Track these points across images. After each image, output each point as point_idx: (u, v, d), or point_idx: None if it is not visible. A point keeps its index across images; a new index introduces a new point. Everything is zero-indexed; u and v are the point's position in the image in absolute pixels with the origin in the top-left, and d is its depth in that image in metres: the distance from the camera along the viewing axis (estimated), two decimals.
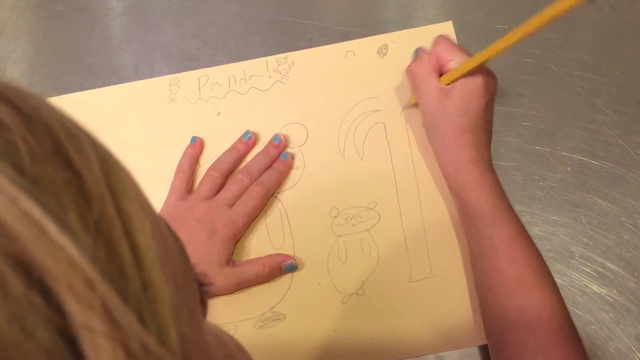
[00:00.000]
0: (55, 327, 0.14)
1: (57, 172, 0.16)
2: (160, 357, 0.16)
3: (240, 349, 0.30)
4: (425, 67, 0.54)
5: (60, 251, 0.15)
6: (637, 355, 0.51)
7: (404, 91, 0.60)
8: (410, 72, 0.55)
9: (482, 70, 0.52)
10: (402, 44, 0.62)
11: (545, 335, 0.45)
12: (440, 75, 0.54)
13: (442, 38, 0.54)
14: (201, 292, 0.24)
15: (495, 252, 0.48)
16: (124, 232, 0.17)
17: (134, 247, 0.17)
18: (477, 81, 0.51)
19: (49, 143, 0.17)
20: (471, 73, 0.51)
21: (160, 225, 0.21)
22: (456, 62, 0.52)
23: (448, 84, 0.52)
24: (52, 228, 0.15)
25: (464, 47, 0.54)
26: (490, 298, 0.49)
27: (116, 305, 0.15)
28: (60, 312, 0.14)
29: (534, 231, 0.55)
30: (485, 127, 0.52)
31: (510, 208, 0.50)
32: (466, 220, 0.52)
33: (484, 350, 0.51)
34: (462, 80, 0.52)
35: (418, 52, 0.56)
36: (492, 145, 0.58)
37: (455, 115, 0.51)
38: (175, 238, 0.23)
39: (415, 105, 0.58)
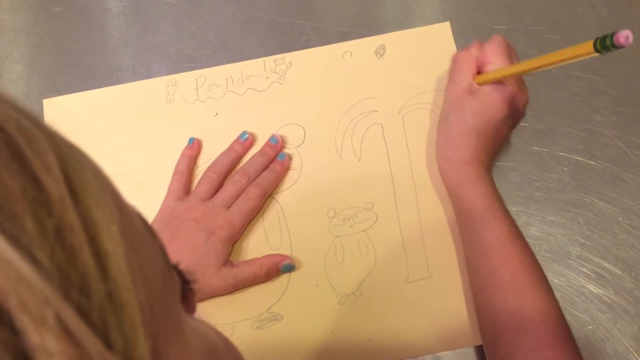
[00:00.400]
0: (10, 349, 0.13)
1: (11, 178, 0.15)
2: None
3: (227, 345, 0.30)
4: (469, 59, 0.54)
5: (8, 266, 0.13)
6: (634, 355, 0.51)
7: (401, 92, 0.60)
8: (454, 57, 0.56)
9: (515, 83, 0.52)
10: (400, 44, 0.62)
11: (538, 336, 0.45)
12: (478, 73, 0.54)
13: (497, 38, 0.54)
14: (185, 289, 0.24)
15: (487, 253, 0.49)
16: (87, 238, 0.16)
17: (98, 254, 0.16)
18: (505, 92, 0.52)
19: (2, 146, 0.15)
20: (503, 82, 0.51)
21: (132, 222, 0.20)
22: (494, 66, 0.52)
23: (478, 84, 0.53)
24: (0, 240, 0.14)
25: (516, 55, 0.54)
26: (484, 299, 0.49)
27: (74, 322, 0.14)
28: (14, 331, 0.13)
29: (532, 231, 0.55)
30: (494, 137, 0.52)
31: (504, 209, 0.50)
32: (460, 220, 0.52)
33: (480, 350, 0.51)
34: (491, 86, 0.52)
35: (473, 43, 0.55)
36: None
37: (469, 114, 0.52)
38: (153, 235, 0.22)
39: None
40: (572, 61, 0.44)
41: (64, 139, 0.18)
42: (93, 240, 0.16)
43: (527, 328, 0.45)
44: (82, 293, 0.15)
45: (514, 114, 0.53)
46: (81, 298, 0.15)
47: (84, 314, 0.15)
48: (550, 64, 0.46)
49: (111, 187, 0.19)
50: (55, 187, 0.16)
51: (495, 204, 0.50)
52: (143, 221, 0.21)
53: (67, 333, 0.14)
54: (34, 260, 0.14)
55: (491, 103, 0.51)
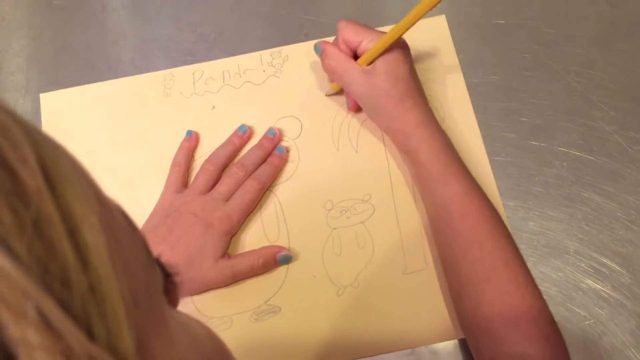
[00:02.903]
0: None
1: None
2: None
3: (211, 337, 0.30)
4: (340, 57, 0.54)
5: None
6: (631, 350, 0.51)
7: None
8: (327, 68, 0.56)
9: (394, 42, 0.53)
10: None
11: (500, 284, 0.46)
12: (355, 58, 0.54)
13: (344, 23, 0.55)
14: (167, 282, 0.24)
15: (447, 209, 0.50)
16: (66, 230, 0.15)
17: (78, 246, 0.16)
18: (395, 52, 0.53)
19: None
20: (387, 48, 0.52)
21: (113, 215, 0.19)
22: (368, 41, 0.53)
23: (368, 65, 0.53)
24: None
25: (366, 25, 0.55)
26: (447, 255, 0.50)
27: (55, 314, 0.14)
28: None
29: (530, 226, 0.55)
30: (417, 89, 0.54)
31: (461, 165, 0.51)
32: (419, 182, 0.53)
33: None
34: (380, 57, 0.53)
35: (321, 47, 0.56)
36: (487, 139, 0.58)
37: (388, 87, 0.52)
38: (134, 228, 0.21)
39: (339, 92, 0.60)
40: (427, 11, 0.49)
41: (40, 132, 0.17)
42: (72, 232, 0.16)
43: (491, 278, 0.46)
44: (62, 285, 0.15)
45: (410, 58, 0.55)
46: (62, 290, 0.15)
47: (66, 306, 0.14)
48: (415, 18, 0.50)
49: (90, 180, 0.19)
50: (32, 179, 0.15)
51: (452, 161, 0.51)
52: (124, 214, 0.21)
53: (48, 326, 0.14)
54: (11, 254, 0.14)
55: (393, 66, 0.53)
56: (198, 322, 0.29)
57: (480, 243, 0.48)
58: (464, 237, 0.48)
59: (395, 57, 0.53)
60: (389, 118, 0.53)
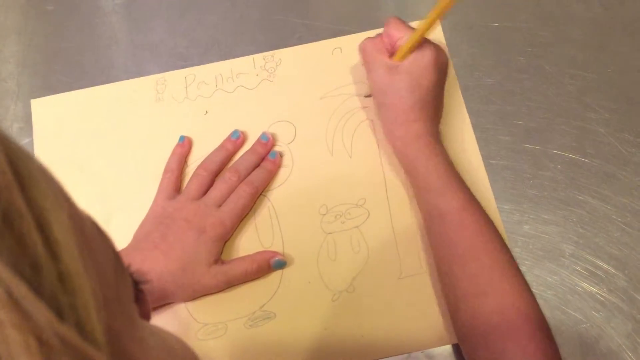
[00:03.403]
0: None
1: None
2: (81, 349, 0.16)
3: (185, 350, 0.30)
4: (376, 45, 0.54)
5: None
6: (627, 353, 0.51)
7: None
8: (361, 48, 0.56)
9: (432, 46, 0.53)
10: None
11: (497, 297, 0.46)
12: (392, 55, 0.54)
13: (393, 18, 0.55)
14: (138, 290, 0.24)
15: (444, 221, 0.49)
16: (36, 224, 0.16)
17: (48, 240, 0.16)
18: (427, 57, 0.52)
19: None
20: (420, 48, 0.52)
21: (83, 220, 0.20)
22: (405, 39, 0.53)
23: (399, 60, 0.53)
24: None
25: (410, 25, 0.55)
26: (444, 268, 0.50)
27: (24, 295, 0.15)
28: None
29: (525, 229, 0.55)
30: (434, 103, 0.53)
31: (458, 179, 0.51)
32: (417, 193, 0.53)
33: None
34: (411, 57, 0.52)
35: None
36: (482, 142, 0.58)
37: (405, 91, 0.52)
38: (104, 236, 0.22)
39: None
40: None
41: (11, 138, 0.18)
42: (42, 227, 0.16)
43: (487, 293, 0.46)
44: (32, 270, 0.15)
45: (442, 75, 0.54)
46: (32, 274, 0.15)
47: (35, 289, 0.15)
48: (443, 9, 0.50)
49: (59, 186, 0.19)
50: (1, 175, 0.16)
51: (450, 174, 0.51)
52: (93, 222, 0.22)
53: (17, 305, 0.14)
54: None
55: (420, 71, 0.52)
56: (172, 334, 0.29)
57: (477, 257, 0.48)
58: (461, 248, 0.48)
59: (425, 62, 0.52)
60: (393, 122, 0.53)
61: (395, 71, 0.53)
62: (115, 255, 0.23)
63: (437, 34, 0.62)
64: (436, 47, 0.53)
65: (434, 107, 0.53)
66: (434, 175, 0.51)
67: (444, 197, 0.50)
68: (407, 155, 0.52)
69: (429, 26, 0.51)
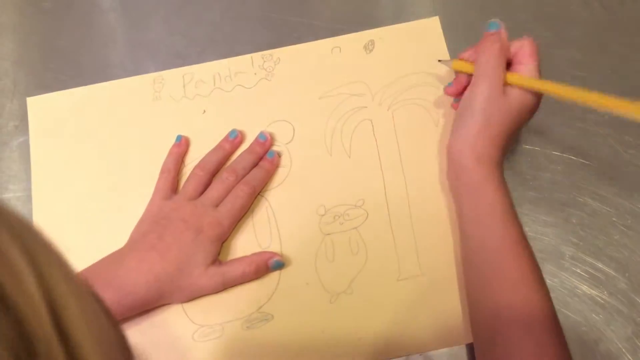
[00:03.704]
0: None
1: None
2: None
3: None
4: (505, 52, 0.52)
5: None
6: (627, 356, 0.51)
7: (390, 87, 0.60)
8: (486, 43, 0.52)
9: (539, 95, 0.51)
10: (389, 40, 0.62)
11: (541, 334, 0.45)
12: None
13: (529, 39, 0.52)
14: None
15: (500, 249, 0.48)
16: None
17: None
18: (531, 103, 0.51)
19: None
20: (530, 91, 0.51)
21: (91, 300, 0.21)
22: (526, 68, 0.51)
23: (508, 84, 0.51)
24: None
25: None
26: (484, 295, 0.48)
27: None
28: None
29: (524, 231, 0.54)
30: (514, 138, 0.53)
31: (516, 212, 0.50)
32: (475, 214, 0.50)
33: (471, 348, 0.51)
34: (522, 93, 0.51)
35: (499, 27, 0.52)
36: None
37: (506, 117, 0.50)
38: (99, 300, 0.22)
39: (455, 72, 0.56)
40: (612, 110, 0.46)
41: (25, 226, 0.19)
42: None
43: (531, 325, 0.45)
44: None
45: (525, 124, 0.53)
46: None
47: None
48: (590, 102, 0.48)
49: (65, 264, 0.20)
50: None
51: (512, 206, 0.50)
52: (88, 287, 0.22)
53: None
54: None
55: (519, 110, 0.51)
56: None
57: (525, 290, 0.47)
58: (512, 279, 0.47)
59: (528, 106, 0.51)
60: (465, 135, 0.51)
61: (504, 94, 0.50)
62: (109, 318, 0.23)
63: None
64: (540, 97, 0.52)
65: (511, 143, 0.53)
66: (501, 202, 0.49)
67: (506, 226, 0.49)
68: (476, 172, 0.50)
69: (555, 92, 0.50)
